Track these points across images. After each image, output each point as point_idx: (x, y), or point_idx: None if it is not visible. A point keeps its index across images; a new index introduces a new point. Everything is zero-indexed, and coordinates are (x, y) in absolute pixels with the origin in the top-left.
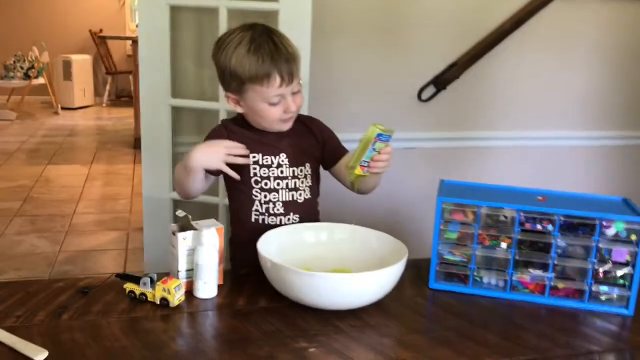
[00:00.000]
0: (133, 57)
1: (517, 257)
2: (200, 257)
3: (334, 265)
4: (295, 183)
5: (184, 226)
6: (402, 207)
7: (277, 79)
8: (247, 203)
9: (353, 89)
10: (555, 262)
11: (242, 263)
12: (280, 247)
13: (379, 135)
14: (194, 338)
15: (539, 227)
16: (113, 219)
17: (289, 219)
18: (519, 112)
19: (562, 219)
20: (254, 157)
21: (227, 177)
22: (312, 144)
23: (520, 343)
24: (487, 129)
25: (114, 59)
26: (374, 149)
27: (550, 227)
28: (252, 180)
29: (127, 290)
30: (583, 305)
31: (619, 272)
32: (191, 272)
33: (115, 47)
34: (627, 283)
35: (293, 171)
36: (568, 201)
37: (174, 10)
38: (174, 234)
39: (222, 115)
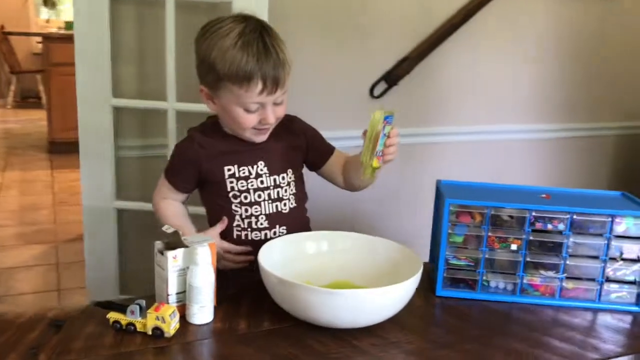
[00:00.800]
0: (45, 55)
1: (527, 259)
2: (196, 278)
3: (338, 277)
4: (278, 193)
5: (173, 243)
6: (363, 205)
7: (259, 85)
8: (227, 219)
9: (305, 87)
10: (567, 262)
11: (226, 282)
12: (282, 260)
13: (386, 117)
14: None
15: (549, 226)
16: (36, 231)
17: (275, 233)
18: (469, 106)
19: (574, 217)
20: (229, 169)
21: (202, 190)
22: (294, 146)
23: (548, 349)
24: (439, 125)
25: (18, 57)
26: (384, 135)
27: (561, 226)
28: (230, 195)
29: (111, 320)
30: (594, 305)
31: (630, 269)
32: (182, 295)
33: (19, 45)
34: (637, 279)
35: (274, 180)
36: (572, 198)
37: (114, 1)
38: (161, 252)
39: (171, 116)
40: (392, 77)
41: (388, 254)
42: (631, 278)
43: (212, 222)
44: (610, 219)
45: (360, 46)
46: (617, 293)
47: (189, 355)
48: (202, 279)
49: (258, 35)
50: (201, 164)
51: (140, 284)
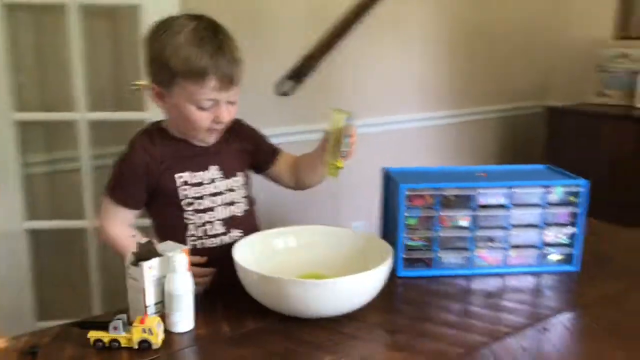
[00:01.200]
0: None
1: (477, 234)
2: (175, 286)
3: (307, 270)
4: (232, 196)
5: (143, 254)
6: (282, 200)
7: (214, 81)
8: (179, 229)
9: None
10: (512, 233)
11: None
12: (253, 258)
13: (348, 119)
14: None
15: (493, 201)
16: None
17: (230, 237)
18: (370, 99)
19: (513, 191)
20: (180, 177)
21: (150, 202)
22: (243, 149)
23: (505, 310)
24: None
25: None
26: (347, 135)
27: (503, 200)
28: (183, 202)
29: (92, 339)
30: (536, 269)
31: (564, 233)
32: (160, 305)
33: None
34: (570, 242)
35: (227, 184)
36: (506, 174)
37: (9, 8)
38: (135, 264)
39: (83, 127)
40: (297, 75)
41: (354, 243)
42: (565, 241)
43: (161, 235)
44: (544, 190)
45: (265, 45)
46: (554, 256)
47: None
48: (182, 286)
49: (212, 32)
50: (151, 173)
51: (64, 308)
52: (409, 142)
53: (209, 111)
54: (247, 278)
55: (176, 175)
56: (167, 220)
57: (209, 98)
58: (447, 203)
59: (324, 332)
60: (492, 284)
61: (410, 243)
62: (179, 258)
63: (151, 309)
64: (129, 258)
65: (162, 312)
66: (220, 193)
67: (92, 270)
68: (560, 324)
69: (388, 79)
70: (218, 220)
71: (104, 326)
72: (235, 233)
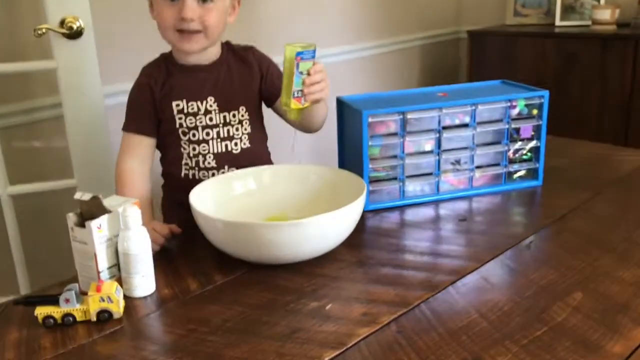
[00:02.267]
0: None
1: (443, 157)
2: (132, 245)
3: (274, 212)
4: (228, 131)
5: (87, 213)
6: None
7: None
8: (176, 157)
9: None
10: (477, 152)
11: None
12: (215, 203)
13: (299, 54)
14: (182, 347)
15: (457, 121)
16: None
17: (223, 173)
18: (287, 32)
19: (477, 108)
20: (177, 104)
21: (157, 130)
22: (249, 80)
23: (486, 233)
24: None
25: None
26: (300, 73)
27: (466, 118)
28: (179, 131)
29: (41, 317)
30: (502, 188)
31: (527, 147)
32: (114, 269)
33: None
34: (533, 156)
35: (224, 117)
36: (466, 92)
37: None
38: (79, 225)
39: None
40: None
41: (319, 179)
42: (528, 156)
43: (164, 163)
44: (508, 104)
45: None
46: (518, 172)
47: (154, 331)
48: (139, 244)
49: None
50: (155, 98)
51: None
52: (333, 76)
53: (175, 7)
54: (209, 226)
55: (173, 103)
56: (167, 147)
57: None
58: (410, 128)
59: (302, 276)
60: (462, 207)
61: (375, 175)
62: (131, 212)
63: (104, 274)
64: (71, 218)
65: (118, 275)
66: (215, 126)
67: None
68: (542, 240)
69: (304, 12)
70: (211, 154)
71: (53, 300)
72: (229, 170)
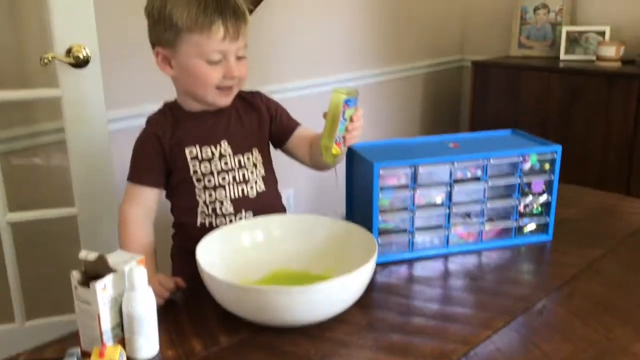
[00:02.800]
0: None
1: (454, 210)
2: (137, 306)
3: (279, 265)
4: (243, 174)
5: (95, 271)
6: None
7: (221, 30)
8: (191, 205)
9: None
10: (487, 206)
11: (187, 280)
12: (221, 256)
13: (347, 101)
14: None
15: (468, 174)
16: None
17: (240, 218)
18: (291, 62)
19: (490, 161)
20: (190, 151)
21: (167, 178)
22: (258, 122)
23: (500, 294)
24: (274, 82)
25: None
26: (344, 119)
27: (478, 172)
28: (194, 178)
29: None
30: (512, 242)
31: (538, 202)
32: (118, 329)
33: None
34: (543, 211)
35: (239, 161)
36: (476, 143)
37: None
38: (83, 285)
39: None
40: None
41: (331, 232)
42: (539, 210)
43: (177, 213)
44: (520, 159)
45: None
46: (529, 227)
47: None
48: (144, 306)
49: None
50: (164, 149)
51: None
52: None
53: (219, 66)
54: (216, 287)
55: (187, 149)
56: (180, 195)
57: (218, 49)
58: (421, 180)
59: (309, 341)
60: (472, 262)
61: (383, 226)
62: (137, 273)
63: (107, 335)
64: (75, 277)
65: (121, 336)
66: (230, 170)
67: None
68: (554, 303)
69: (310, 40)
70: (228, 199)
71: None
72: (246, 214)
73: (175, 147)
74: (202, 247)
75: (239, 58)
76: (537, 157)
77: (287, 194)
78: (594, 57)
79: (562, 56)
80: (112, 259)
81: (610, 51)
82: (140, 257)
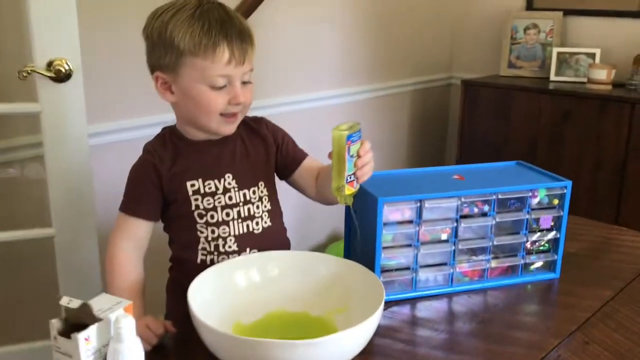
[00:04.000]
0: None
1: (459, 247)
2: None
3: (275, 306)
4: (249, 210)
5: (74, 318)
6: None
7: (226, 53)
8: (192, 241)
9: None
10: (494, 242)
11: (180, 319)
12: (215, 295)
13: (350, 137)
14: None
15: (475, 210)
16: None
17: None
18: (280, 78)
19: (499, 196)
20: (192, 185)
21: (165, 210)
22: (265, 152)
23: (507, 341)
24: (256, 98)
25: None
26: (351, 157)
27: (485, 207)
28: (195, 214)
29: None
30: (518, 280)
31: (546, 238)
32: None
33: None
34: (550, 247)
35: (244, 195)
36: (481, 175)
37: None
38: (64, 335)
39: None
40: None
41: (332, 272)
42: (546, 247)
43: (175, 248)
44: (530, 194)
45: None
46: (535, 263)
47: None
48: (131, 359)
49: (217, 6)
50: (162, 180)
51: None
52: (322, 121)
53: (224, 92)
54: (209, 336)
55: (188, 183)
56: (180, 233)
57: (222, 74)
58: (427, 215)
59: None
60: (477, 302)
61: (385, 263)
62: (125, 323)
63: None
64: (55, 326)
65: None
66: (235, 205)
67: None
68: (569, 352)
69: (298, 56)
70: (232, 236)
71: None
72: (251, 252)
73: (175, 179)
74: (194, 287)
75: (244, 83)
76: (545, 192)
77: None
78: (584, 79)
79: (553, 77)
80: (97, 305)
81: (602, 74)
82: (128, 302)
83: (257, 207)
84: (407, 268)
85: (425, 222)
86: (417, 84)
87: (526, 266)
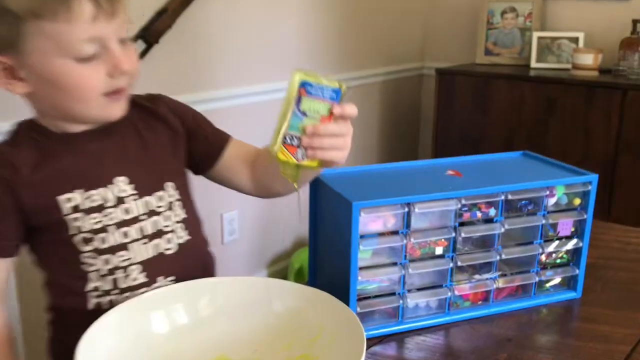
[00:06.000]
0: None
1: (458, 264)
2: None
3: (215, 355)
4: (155, 224)
5: None
6: None
7: (87, 4)
8: (77, 280)
9: None
10: (502, 256)
11: None
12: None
13: (305, 84)
14: None
15: (479, 214)
16: None
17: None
18: (238, 66)
19: (508, 197)
20: (67, 199)
21: (31, 240)
22: (170, 141)
23: None
24: (210, 89)
25: None
26: (302, 113)
27: (492, 211)
28: (77, 239)
29: None
30: (531, 303)
31: (564, 249)
32: None
33: None
34: (569, 258)
35: (146, 204)
36: (482, 169)
37: None
38: None
39: None
40: (151, 34)
41: (285, 303)
42: (565, 259)
43: (53, 292)
44: (547, 193)
45: None
46: (551, 281)
47: None
48: None
49: None
50: (17, 197)
51: None
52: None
53: (98, 62)
54: None
55: (60, 198)
56: (59, 269)
57: (89, 37)
58: (416, 224)
59: None
60: (482, 335)
61: (363, 287)
62: None
63: None
64: None
65: None
66: (134, 220)
67: None
68: None
69: (259, 43)
70: (135, 264)
71: None
72: (165, 282)
73: (41, 193)
74: (85, 347)
75: (122, 42)
76: (564, 189)
77: (229, 217)
78: (568, 66)
79: (533, 64)
80: None
81: (588, 59)
82: None
83: (167, 218)
84: (392, 294)
85: (415, 233)
86: (387, 74)
87: (540, 284)
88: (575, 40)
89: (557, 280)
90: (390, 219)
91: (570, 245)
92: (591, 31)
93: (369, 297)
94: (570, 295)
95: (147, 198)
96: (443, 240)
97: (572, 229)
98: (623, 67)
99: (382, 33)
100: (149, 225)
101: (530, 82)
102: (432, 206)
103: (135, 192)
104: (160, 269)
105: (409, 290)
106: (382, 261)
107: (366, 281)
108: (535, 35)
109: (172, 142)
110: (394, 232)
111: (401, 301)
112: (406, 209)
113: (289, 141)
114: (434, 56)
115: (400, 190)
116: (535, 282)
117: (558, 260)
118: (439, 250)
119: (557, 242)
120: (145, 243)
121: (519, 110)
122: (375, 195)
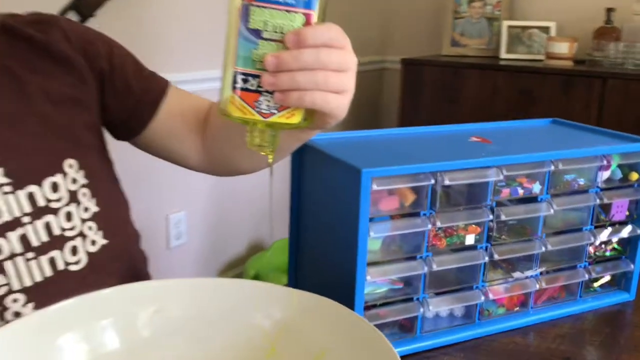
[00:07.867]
0: None
1: (495, 257)
2: None
3: None
4: (47, 226)
5: None
6: None
7: None
8: None
9: None
10: (547, 247)
11: None
12: None
13: None
14: None
15: (520, 191)
16: None
17: None
18: (181, 50)
19: (556, 168)
20: None
21: None
22: (71, 95)
23: None
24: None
25: None
26: (251, 32)
27: (536, 187)
28: None
29: None
30: (578, 308)
31: (617, 237)
32: None
33: None
34: (622, 250)
35: (31, 196)
36: (514, 138)
37: None
38: None
39: None
40: (84, 6)
41: (277, 315)
42: (617, 251)
43: None
44: (603, 162)
45: None
46: (600, 279)
47: None
48: None
49: None
50: None
51: None
52: None
53: None
54: None
55: None
56: None
57: None
58: (442, 203)
59: None
60: (518, 354)
61: (371, 289)
62: None
63: None
64: None
65: None
66: (12, 225)
67: None
68: None
69: (199, 29)
70: (15, 292)
71: None
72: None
73: None
74: None
75: None
76: (619, 160)
77: (175, 219)
78: (540, 57)
79: (503, 54)
80: None
81: (563, 48)
82: None
83: (68, 216)
84: (408, 299)
85: (441, 214)
86: (364, 64)
87: (586, 284)
88: (546, 30)
89: (606, 278)
90: (409, 195)
91: (626, 233)
92: (562, 21)
93: (375, 306)
94: (623, 297)
95: (31, 188)
96: (474, 225)
97: (627, 212)
98: (599, 57)
99: (336, 23)
100: (38, 231)
101: (503, 71)
102: (465, 177)
103: (8, 180)
104: (60, 295)
105: (429, 295)
106: (394, 256)
107: (373, 282)
108: (505, 24)
109: (74, 94)
110: (414, 214)
111: (420, 309)
112: (432, 181)
113: (241, 85)
114: (396, 49)
115: (421, 156)
116: (583, 282)
117: (608, 253)
118: (469, 240)
119: (610, 228)
120: (31, 259)
121: (492, 103)
122: (388, 163)
